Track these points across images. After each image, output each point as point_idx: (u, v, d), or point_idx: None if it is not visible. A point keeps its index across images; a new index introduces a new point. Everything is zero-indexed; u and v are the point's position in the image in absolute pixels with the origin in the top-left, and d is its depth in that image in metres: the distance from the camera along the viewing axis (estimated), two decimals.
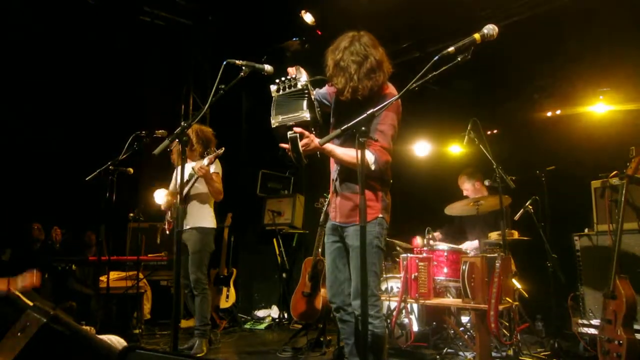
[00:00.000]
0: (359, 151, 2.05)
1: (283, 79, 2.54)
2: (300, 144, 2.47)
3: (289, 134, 2.47)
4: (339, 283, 2.77)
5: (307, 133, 2.48)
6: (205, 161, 4.06)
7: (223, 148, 4.14)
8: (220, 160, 4.40)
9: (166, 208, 4.42)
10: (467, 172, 5.00)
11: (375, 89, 2.60)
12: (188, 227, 4.25)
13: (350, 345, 2.79)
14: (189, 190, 4.27)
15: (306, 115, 2.45)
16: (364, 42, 2.62)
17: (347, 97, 2.65)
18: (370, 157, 2.48)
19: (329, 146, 2.55)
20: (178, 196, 4.18)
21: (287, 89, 2.52)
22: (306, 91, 2.49)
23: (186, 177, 4.19)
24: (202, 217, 4.36)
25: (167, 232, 4.48)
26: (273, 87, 2.56)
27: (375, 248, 2.61)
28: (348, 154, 2.57)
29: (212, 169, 4.32)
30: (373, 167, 2.50)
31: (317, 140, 2.50)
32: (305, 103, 2.47)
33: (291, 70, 2.56)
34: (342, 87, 2.61)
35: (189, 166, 4.23)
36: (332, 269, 2.79)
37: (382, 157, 2.53)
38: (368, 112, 2.08)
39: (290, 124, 2.48)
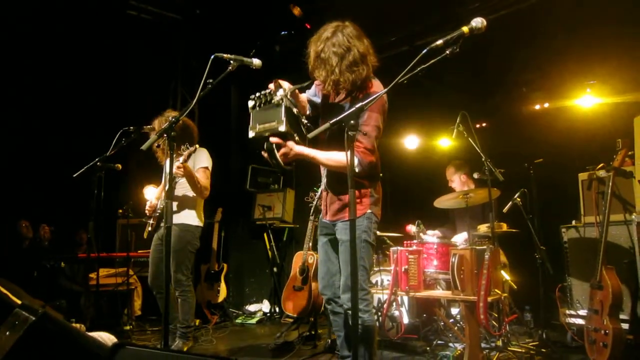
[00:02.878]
0: (348, 145, 2.05)
1: (258, 94, 2.48)
2: (278, 154, 2.46)
3: (266, 144, 2.46)
4: (330, 275, 2.80)
5: (284, 142, 2.46)
6: (180, 160, 3.86)
7: (196, 146, 3.96)
8: (210, 154, 4.33)
9: (150, 212, 4.25)
10: (454, 164, 5.03)
11: (358, 82, 2.56)
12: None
13: (341, 338, 2.82)
14: (176, 185, 4.13)
15: (281, 126, 2.40)
16: (348, 33, 2.55)
17: (328, 91, 2.63)
18: (353, 159, 2.47)
19: (311, 152, 2.53)
20: (163, 192, 4.13)
21: (262, 105, 2.47)
22: (282, 103, 2.44)
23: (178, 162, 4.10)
24: (186, 214, 4.17)
25: (150, 228, 4.27)
26: (250, 103, 2.51)
27: (363, 242, 2.61)
28: (331, 157, 2.55)
29: (203, 163, 4.19)
30: (357, 170, 2.47)
31: (296, 148, 2.48)
32: (282, 112, 2.41)
33: (271, 86, 2.50)
34: (324, 80, 2.58)
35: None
36: (325, 261, 2.82)
37: (365, 158, 2.51)
38: (357, 106, 2.08)
39: (267, 134, 2.45)
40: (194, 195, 4.18)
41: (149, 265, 4.15)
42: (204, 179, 4.17)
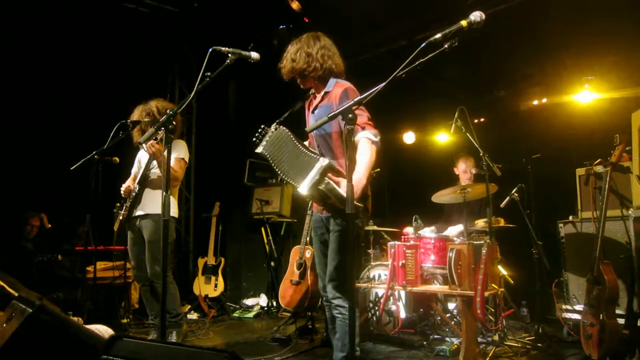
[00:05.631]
0: (347, 138, 2.06)
1: (256, 134, 2.65)
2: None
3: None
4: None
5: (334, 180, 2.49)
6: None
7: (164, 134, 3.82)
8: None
9: (125, 195, 4.13)
10: (472, 157, 4.97)
11: (305, 72, 2.79)
12: (141, 213, 4.00)
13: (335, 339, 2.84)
14: (147, 174, 4.02)
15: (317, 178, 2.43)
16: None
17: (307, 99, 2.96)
18: (370, 134, 2.57)
19: (361, 175, 2.54)
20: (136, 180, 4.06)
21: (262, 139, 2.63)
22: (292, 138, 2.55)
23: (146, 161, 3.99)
24: (159, 203, 4.07)
25: (122, 218, 4.13)
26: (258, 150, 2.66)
27: (356, 234, 2.66)
28: (366, 166, 2.56)
29: (180, 154, 4.08)
30: (377, 139, 2.60)
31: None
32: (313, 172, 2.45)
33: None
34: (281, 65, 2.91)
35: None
36: (323, 261, 2.85)
37: (375, 129, 2.63)
38: (356, 99, 2.10)
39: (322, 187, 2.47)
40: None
41: (131, 260, 4.09)
42: (177, 167, 4.04)
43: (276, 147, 2.58)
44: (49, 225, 5.63)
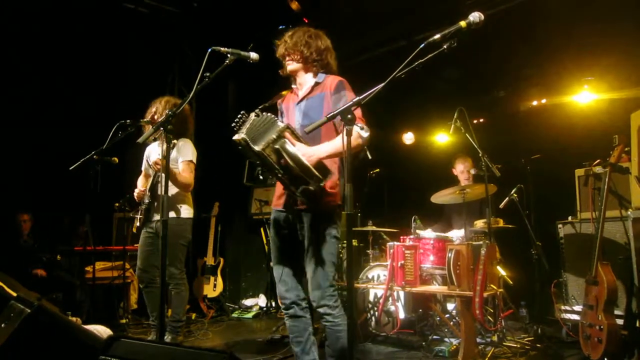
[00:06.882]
0: (346, 138, 2.06)
1: (236, 120, 2.50)
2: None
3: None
4: (294, 274, 2.71)
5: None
6: (160, 153, 3.68)
7: (174, 142, 3.67)
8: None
9: (139, 199, 4.07)
10: (470, 158, 4.97)
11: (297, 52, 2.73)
12: (157, 218, 3.95)
13: (302, 344, 2.70)
14: (157, 181, 3.95)
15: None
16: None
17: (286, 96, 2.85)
18: (357, 128, 2.39)
19: (322, 149, 2.46)
20: (148, 183, 4.06)
21: (242, 125, 2.48)
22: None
23: (158, 156, 3.91)
24: (174, 207, 3.98)
25: (139, 223, 4.08)
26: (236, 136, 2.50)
27: (333, 238, 2.57)
28: (335, 147, 2.47)
29: (187, 156, 4.01)
30: (366, 135, 2.40)
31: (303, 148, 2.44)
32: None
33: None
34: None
35: (155, 146, 4.06)
36: (282, 261, 2.73)
37: (365, 124, 2.51)
38: (355, 100, 2.09)
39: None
40: None
41: (138, 259, 4.05)
42: (187, 172, 3.99)
43: (259, 131, 2.42)
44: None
